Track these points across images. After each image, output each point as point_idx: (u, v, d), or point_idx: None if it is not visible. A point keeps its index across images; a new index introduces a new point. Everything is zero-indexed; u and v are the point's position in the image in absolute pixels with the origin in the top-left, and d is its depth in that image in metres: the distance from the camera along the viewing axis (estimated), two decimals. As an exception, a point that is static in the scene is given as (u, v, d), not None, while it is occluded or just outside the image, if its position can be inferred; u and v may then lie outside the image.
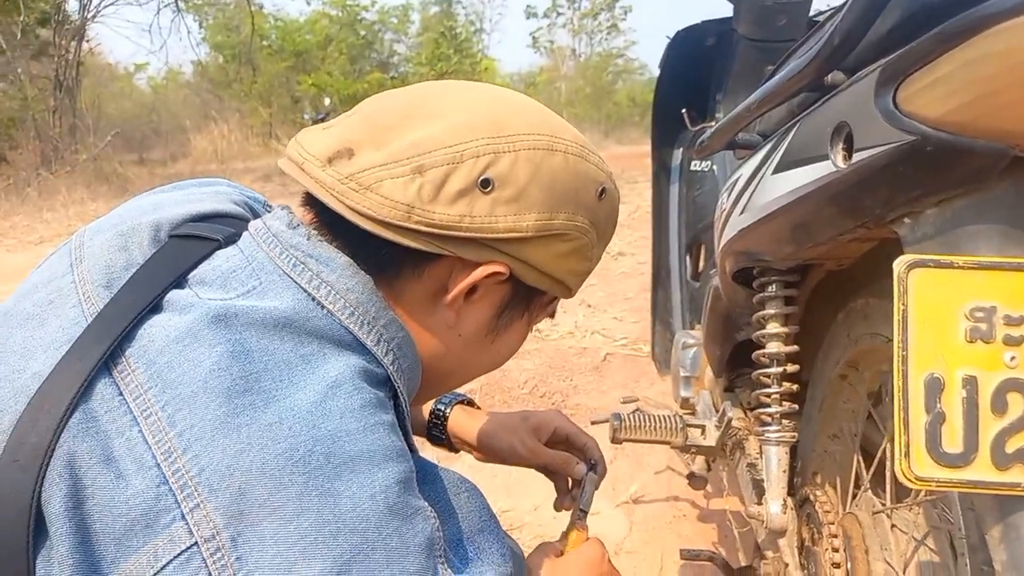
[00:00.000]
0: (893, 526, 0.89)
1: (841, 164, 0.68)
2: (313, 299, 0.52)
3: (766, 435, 0.97)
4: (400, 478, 0.48)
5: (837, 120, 0.68)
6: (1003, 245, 0.57)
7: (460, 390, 0.96)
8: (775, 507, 0.95)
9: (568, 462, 0.92)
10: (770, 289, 0.97)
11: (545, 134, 0.56)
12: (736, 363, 1.29)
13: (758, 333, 0.99)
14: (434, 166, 0.52)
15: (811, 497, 0.96)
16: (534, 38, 30.85)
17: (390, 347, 0.55)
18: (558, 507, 0.95)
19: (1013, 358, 0.54)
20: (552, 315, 0.71)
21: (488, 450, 0.93)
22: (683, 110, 1.88)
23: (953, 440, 0.54)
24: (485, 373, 0.71)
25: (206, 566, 0.40)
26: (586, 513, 0.89)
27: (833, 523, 0.90)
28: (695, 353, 1.60)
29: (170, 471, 0.41)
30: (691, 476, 1.36)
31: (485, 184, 0.53)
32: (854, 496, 0.95)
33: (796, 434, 0.97)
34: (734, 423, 1.18)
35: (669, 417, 1.25)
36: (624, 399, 1.71)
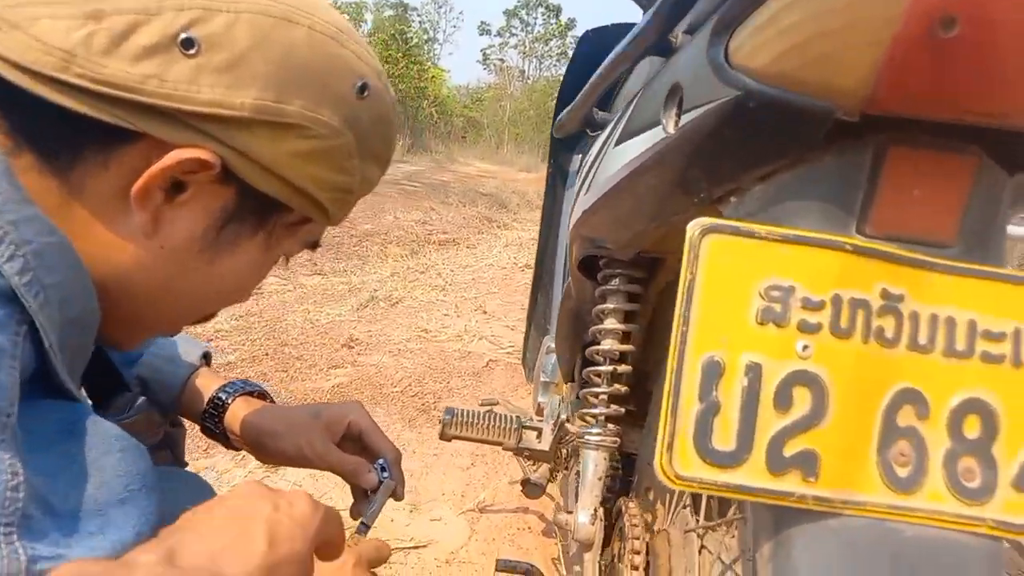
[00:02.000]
0: (702, 547, 0.81)
1: (671, 130, 0.60)
2: None
3: (586, 438, 0.88)
4: None
5: (672, 81, 0.61)
6: (820, 222, 0.50)
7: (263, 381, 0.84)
8: (583, 516, 0.86)
9: (359, 470, 0.80)
10: (613, 282, 0.89)
11: (289, 4, 0.46)
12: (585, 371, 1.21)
13: (595, 328, 0.91)
14: (117, 13, 0.41)
15: (624, 509, 0.87)
16: (485, 55, 31.03)
17: (20, 251, 0.41)
18: (353, 515, 0.84)
19: (806, 347, 0.47)
20: (313, 247, 0.60)
21: (271, 451, 0.81)
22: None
23: (726, 436, 0.46)
24: (211, 308, 0.58)
25: None
26: (368, 528, 0.78)
27: (638, 539, 0.81)
28: (556, 360, 1.52)
29: None
30: (526, 483, 1.27)
31: (188, 44, 0.42)
32: (675, 511, 0.87)
33: (618, 439, 0.89)
34: (568, 427, 1.09)
35: (505, 417, 1.15)
36: (483, 401, 1.61)
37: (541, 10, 30.27)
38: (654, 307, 0.98)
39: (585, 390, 0.91)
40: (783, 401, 0.46)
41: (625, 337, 0.89)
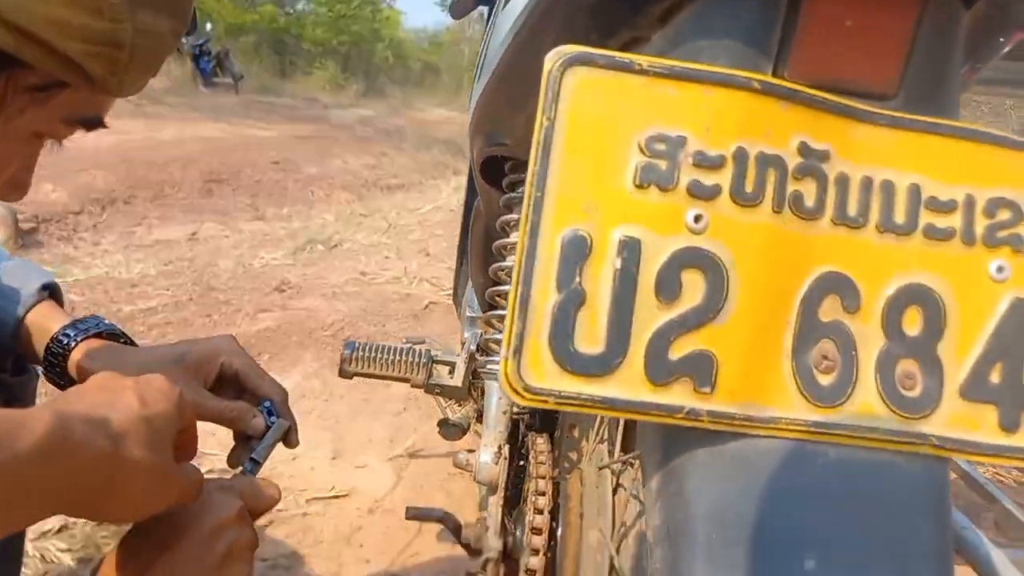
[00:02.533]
0: (618, 487, 0.71)
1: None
2: None
3: (489, 367, 0.77)
4: None
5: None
6: (729, 60, 0.38)
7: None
8: (485, 455, 0.75)
9: (242, 415, 0.67)
10: (520, 189, 0.76)
11: None
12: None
13: (499, 243, 0.79)
14: None
15: (531, 446, 0.77)
16: (443, -4, 30.10)
17: None
18: (231, 463, 0.72)
19: (699, 218, 0.35)
20: (90, 126, 0.47)
21: None
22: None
23: (593, 335, 0.34)
24: None
25: None
26: (258, 464, 0.66)
27: (544, 478, 0.71)
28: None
29: None
30: (443, 423, 1.16)
31: None
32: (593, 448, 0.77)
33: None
34: (479, 359, 0.98)
35: (414, 351, 1.03)
36: (408, 338, 1.49)
37: (500, -51, 29.34)
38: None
39: (490, 313, 0.80)
40: (669, 289, 0.35)
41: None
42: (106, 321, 0.74)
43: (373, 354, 1.02)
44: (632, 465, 0.71)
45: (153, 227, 3.79)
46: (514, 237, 0.77)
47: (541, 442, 0.76)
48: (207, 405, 0.67)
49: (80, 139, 0.51)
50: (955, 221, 0.38)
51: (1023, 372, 0.37)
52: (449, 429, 1.16)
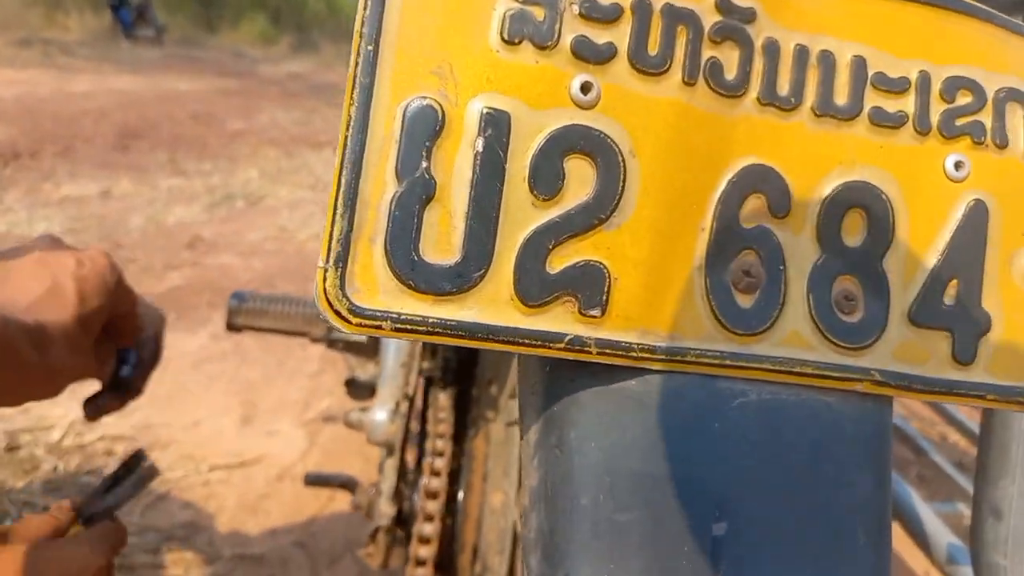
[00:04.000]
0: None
1: None
2: None
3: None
4: None
5: None
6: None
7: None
8: (380, 413, 0.67)
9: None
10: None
11: None
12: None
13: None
14: None
15: (430, 402, 0.69)
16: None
17: None
18: (88, 413, 0.62)
19: (588, 88, 0.27)
20: None
21: None
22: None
23: (445, 240, 0.26)
24: None
25: None
26: (103, 516, 0.55)
27: (442, 436, 0.63)
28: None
29: None
30: (350, 383, 1.07)
31: None
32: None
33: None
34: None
35: (310, 302, 0.94)
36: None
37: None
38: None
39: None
40: (547, 181, 0.26)
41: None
42: None
43: (266, 305, 0.92)
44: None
45: (62, 184, 3.53)
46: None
47: (443, 397, 0.68)
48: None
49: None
50: (907, 104, 0.30)
51: (982, 291, 0.31)
52: (357, 388, 1.07)
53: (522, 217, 0.26)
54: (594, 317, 0.27)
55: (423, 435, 0.77)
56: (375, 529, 0.64)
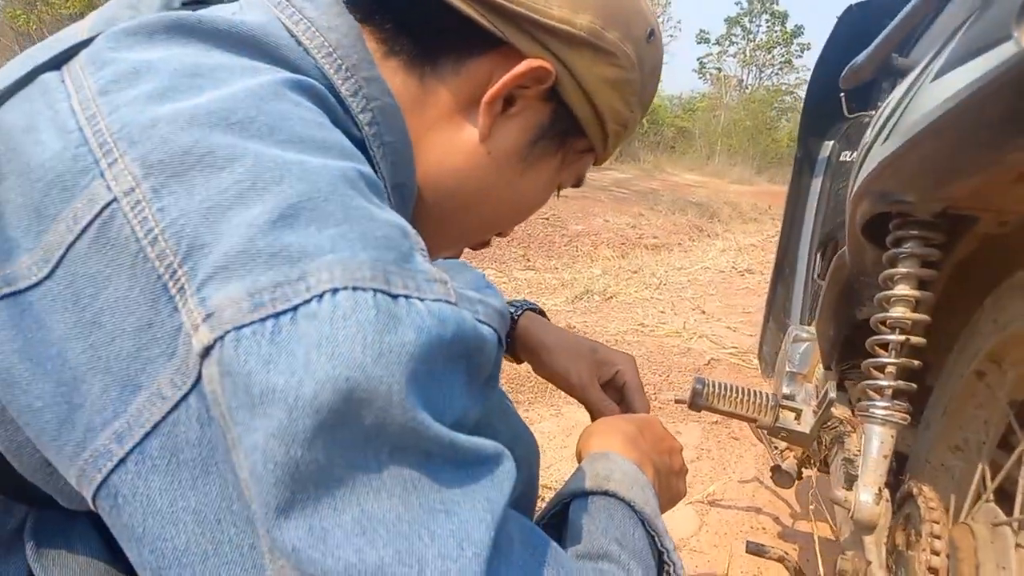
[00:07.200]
0: (1020, 545, 0.72)
1: (1028, 43, 0.53)
2: (290, 32, 0.45)
3: (871, 411, 0.81)
4: (363, 173, 0.39)
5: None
6: None
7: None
8: (866, 495, 0.79)
9: (612, 414, 0.82)
10: (907, 245, 0.81)
11: None
12: (850, 354, 1.12)
13: (882, 295, 0.84)
14: None
15: (914, 493, 0.79)
16: (702, 64, 30.20)
17: (369, 105, 0.46)
18: None
19: None
20: (578, 183, 0.63)
21: (545, 364, 0.86)
22: (841, 94, 1.70)
23: None
24: (500, 227, 0.62)
25: (128, 222, 0.33)
26: None
27: (938, 522, 0.73)
28: (806, 348, 1.42)
29: (91, 131, 0.35)
30: (776, 470, 1.20)
31: None
32: (973, 505, 0.78)
33: (908, 417, 0.81)
34: (834, 411, 1.01)
35: (762, 393, 1.10)
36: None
37: (765, 17, 28.91)
38: (946, 282, 0.89)
39: (869, 361, 0.84)
40: None
41: (918, 305, 0.81)
42: (532, 302, 0.93)
43: (723, 391, 1.10)
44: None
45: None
46: (899, 289, 0.81)
47: (927, 489, 0.78)
48: (593, 392, 0.83)
49: None
50: None
51: None
52: (782, 476, 1.20)
53: None
54: None
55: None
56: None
